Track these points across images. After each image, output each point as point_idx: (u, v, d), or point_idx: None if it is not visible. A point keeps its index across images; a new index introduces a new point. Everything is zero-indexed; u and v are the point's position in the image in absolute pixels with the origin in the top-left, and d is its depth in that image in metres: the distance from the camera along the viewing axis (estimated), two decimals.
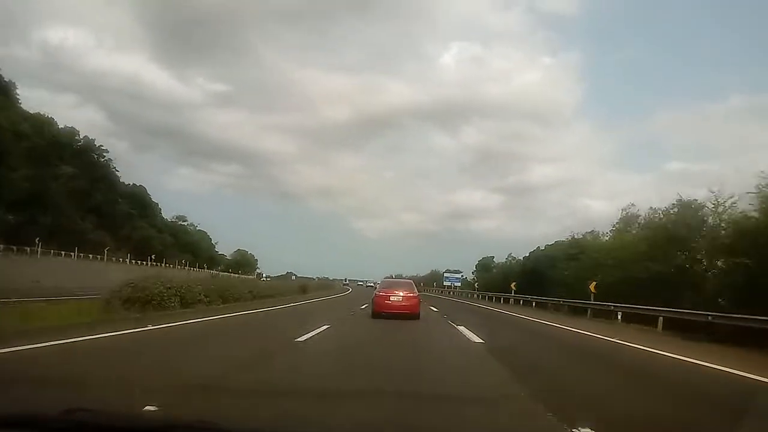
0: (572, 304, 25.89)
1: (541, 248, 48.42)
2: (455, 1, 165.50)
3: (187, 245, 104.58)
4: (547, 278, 38.06)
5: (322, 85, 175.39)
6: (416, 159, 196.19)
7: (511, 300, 40.92)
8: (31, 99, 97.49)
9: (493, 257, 74.92)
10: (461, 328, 14.24)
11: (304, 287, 47.54)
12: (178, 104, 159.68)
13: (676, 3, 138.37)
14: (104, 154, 78.01)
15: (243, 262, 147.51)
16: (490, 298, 47.57)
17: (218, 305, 21.00)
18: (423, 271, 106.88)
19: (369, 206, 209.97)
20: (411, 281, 21.50)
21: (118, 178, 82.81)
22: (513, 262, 59.05)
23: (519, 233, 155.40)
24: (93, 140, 77.44)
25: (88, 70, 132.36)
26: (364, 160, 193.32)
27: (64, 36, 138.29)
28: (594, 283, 23.09)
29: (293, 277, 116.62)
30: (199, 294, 20.05)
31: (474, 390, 6.36)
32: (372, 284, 69.09)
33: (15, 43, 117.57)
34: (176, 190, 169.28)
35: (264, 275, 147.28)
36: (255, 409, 4.68)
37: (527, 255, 50.82)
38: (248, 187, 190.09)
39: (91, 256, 46.25)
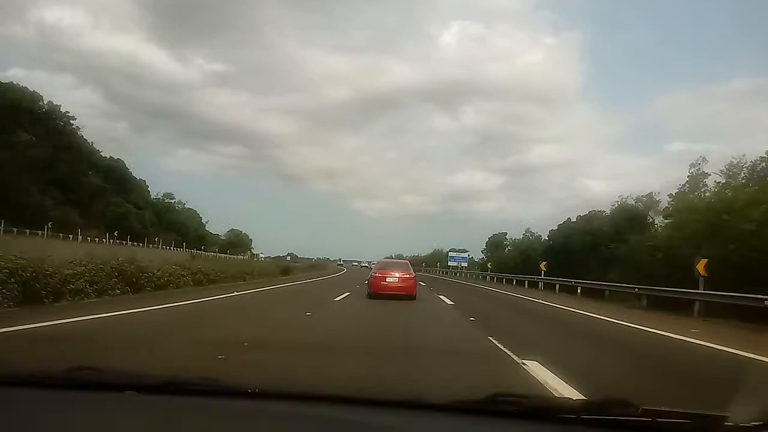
0: (657, 294, 17.47)
1: (572, 220, 40.41)
2: None
3: (171, 224, 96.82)
4: (589, 257, 30.19)
5: (323, 66, 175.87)
6: (418, 140, 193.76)
7: (541, 284, 32.89)
8: (30, 79, 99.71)
9: (506, 233, 66.74)
10: (549, 378, 5.53)
11: (286, 268, 39.70)
12: (177, 85, 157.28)
13: None
14: (72, 121, 69.94)
15: (236, 242, 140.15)
16: (509, 282, 39.78)
17: (117, 295, 13.25)
18: (424, 251, 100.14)
19: (371, 187, 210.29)
20: (407, 262, 21.03)
21: (91, 148, 74.78)
22: (532, 238, 51.04)
23: (521, 214, 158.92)
24: (59, 106, 69.33)
25: (86, 50, 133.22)
26: (365, 141, 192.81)
27: (60, 16, 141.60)
28: (705, 261, 14.67)
29: (287, 258, 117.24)
30: (74, 280, 12.17)
31: None
32: (366, 264, 64.58)
33: (12, 23, 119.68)
34: (176, 171, 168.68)
35: (262, 256, 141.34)
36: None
37: (554, 229, 42.70)
38: (250, 169, 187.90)
39: (28, 231, 38.33)
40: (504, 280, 41.56)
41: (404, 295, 16.16)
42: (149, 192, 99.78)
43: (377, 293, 16.42)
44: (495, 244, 67.03)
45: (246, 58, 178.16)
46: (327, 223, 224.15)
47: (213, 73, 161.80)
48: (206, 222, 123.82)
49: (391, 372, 5.63)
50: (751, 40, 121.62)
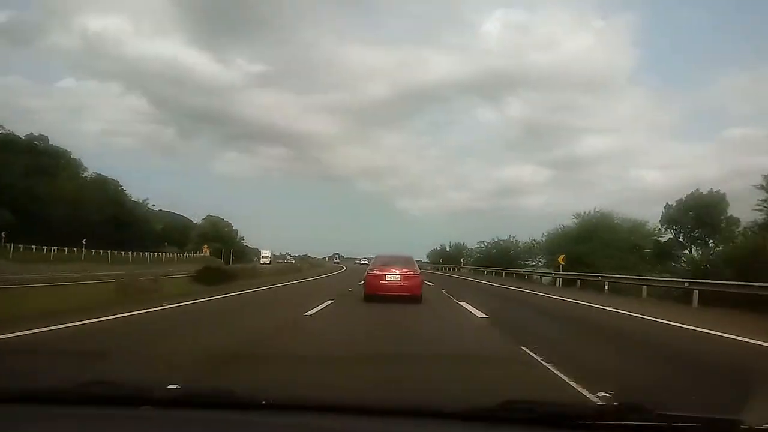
0: None
1: None
2: None
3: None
4: None
5: (364, 61, 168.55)
6: (462, 134, 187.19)
7: None
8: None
9: None
10: None
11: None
12: (220, 87, 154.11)
13: None
14: None
15: (212, 234, 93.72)
16: None
17: None
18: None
19: (414, 185, 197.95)
20: (411, 257, 17.56)
21: None
22: None
23: (572, 207, 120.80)
24: None
25: (130, 56, 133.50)
26: (408, 138, 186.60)
27: (104, 24, 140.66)
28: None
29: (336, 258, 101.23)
30: None
31: None
32: (366, 261, 48.93)
33: (59, 33, 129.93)
34: (221, 174, 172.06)
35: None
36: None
37: None
38: (294, 170, 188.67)
39: None
40: None
41: (407, 296, 14.46)
42: None
43: (375, 294, 14.71)
44: None
45: (286, 57, 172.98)
46: (371, 223, 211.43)
47: (254, 74, 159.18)
48: (143, 200, 77.16)
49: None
50: None
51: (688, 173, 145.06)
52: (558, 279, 26.42)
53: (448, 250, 65.79)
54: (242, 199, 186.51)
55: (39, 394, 1.83)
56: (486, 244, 51.52)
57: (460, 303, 15.08)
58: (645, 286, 20.37)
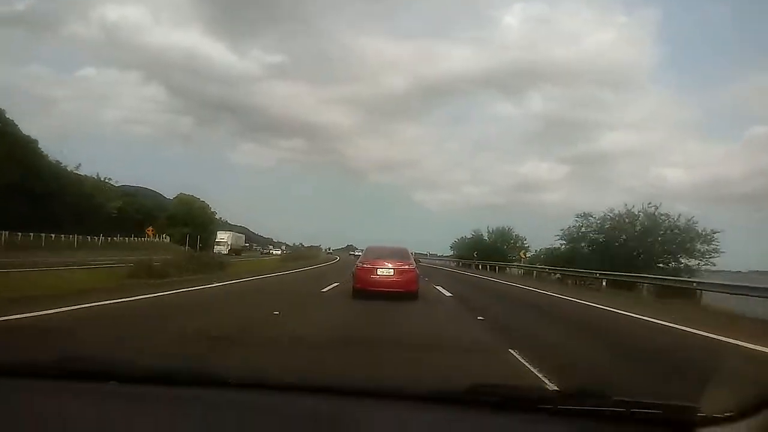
0: None
1: None
2: None
3: None
4: None
5: (382, 54, 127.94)
6: (480, 129, 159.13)
7: None
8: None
9: None
10: None
11: None
12: (237, 78, 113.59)
13: None
14: None
15: (182, 215, 76.39)
16: None
17: None
18: None
19: (432, 178, 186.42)
20: (406, 248, 16.18)
21: None
22: None
23: (591, 204, 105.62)
24: None
25: (149, 47, 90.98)
26: (426, 131, 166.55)
27: (123, 14, 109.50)
28: None
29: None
30: None
31: None
32: (359, 253, 40.08)
33: (78, 24, 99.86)
34: (235, 164, 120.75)
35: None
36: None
37: None
38: (311, 162, 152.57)
39: None
40: None
41: (402, 293, 13.44)
42: None
43: (365, 289, 13.78)
44: None
45: (303, 49, 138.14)
46: (387, 215, 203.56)
47: (271, 65, 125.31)
48: (76, 166, 59.38)
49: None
50: None
51: (709, 171, 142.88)
52: None
53: (485, 238, 47.66)
54: (256, 190, 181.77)
55: (17, 368, 1.82)
56: (595, 219, 28.95)
57: None
58: None
